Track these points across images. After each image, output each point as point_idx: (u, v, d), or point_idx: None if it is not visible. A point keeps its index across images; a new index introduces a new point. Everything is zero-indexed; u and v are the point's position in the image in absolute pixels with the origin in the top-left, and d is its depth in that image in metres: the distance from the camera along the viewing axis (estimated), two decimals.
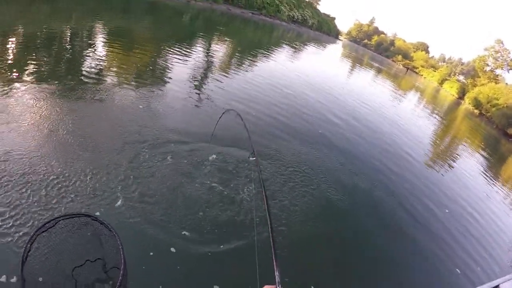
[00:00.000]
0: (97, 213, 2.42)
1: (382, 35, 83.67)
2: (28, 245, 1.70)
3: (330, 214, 4.02)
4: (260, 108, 6.92)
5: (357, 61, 35.94)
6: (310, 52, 26.33)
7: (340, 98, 11.22)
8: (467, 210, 6.10)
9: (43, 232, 1.77)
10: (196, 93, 6.92)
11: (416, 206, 5.24)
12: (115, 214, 2.72)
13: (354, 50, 56.01)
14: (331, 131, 7.26)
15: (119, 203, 2.87)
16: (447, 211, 5.60)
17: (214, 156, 4.13)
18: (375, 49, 79.09)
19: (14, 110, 4.01)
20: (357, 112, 10.07)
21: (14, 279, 1.87)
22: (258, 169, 2.06)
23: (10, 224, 2.35)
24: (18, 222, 2.37)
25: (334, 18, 60.59)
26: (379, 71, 34.68)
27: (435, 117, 18.77)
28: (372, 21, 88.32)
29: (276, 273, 1.16)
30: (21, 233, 2.23)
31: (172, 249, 2.60)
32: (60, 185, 2.87)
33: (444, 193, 6.45)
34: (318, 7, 56.09)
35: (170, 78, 7.45)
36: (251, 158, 2.42)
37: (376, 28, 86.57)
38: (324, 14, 55.57)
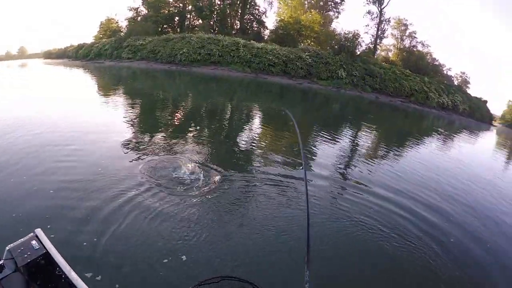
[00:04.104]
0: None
1: None
2: None
3: None
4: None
5: None
6: (462, 142, 22.78)
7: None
8: None
9: (206, 284, 1.90)
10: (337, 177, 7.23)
11: None
12: None
13: (510, 138, 46.66)
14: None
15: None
16: None
17: None
18: None
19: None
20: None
21: None
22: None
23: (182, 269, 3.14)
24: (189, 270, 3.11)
25: (486, 102, 53.41)
26: None
27: None
28: None
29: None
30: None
31: None
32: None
33: None
34: (468, 91, 51.01)
35: (313, 159, 8.18)
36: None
37: None
38: (475, 97, 49.83)
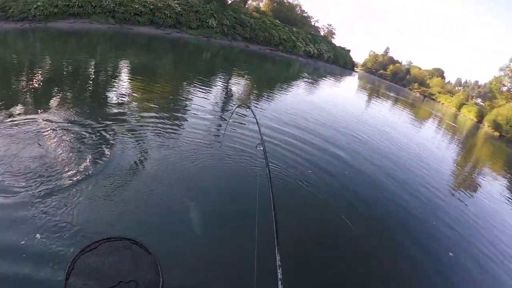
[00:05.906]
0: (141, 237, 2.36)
1: (397, 64, 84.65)
2: (72, 264, 1.87)
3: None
4: (271, 139, 7.44)
5: (373, 92, 36.50)
6: (327, 85, 27.30)
7: (354, 130, 11.34)
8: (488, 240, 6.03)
9: (86, 252, 1.95)
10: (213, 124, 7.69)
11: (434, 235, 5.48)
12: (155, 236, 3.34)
13: (371, 81, 56.46)
14: (345, 160, 7.64)
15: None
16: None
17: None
18: (391, 79, 79.35)
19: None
20: (373, 143, 10.26)
21: None
22: (266, 161, 2.59)
23: (60, 243, 3.06)
24: (65, 241, 3.08)
25: (349, 51, 63.00)
26: (396, 100, 34.87)
27: (455, 144, 18.73)
28: (386, 51, 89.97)
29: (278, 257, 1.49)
30: (68, 252, 2.93)
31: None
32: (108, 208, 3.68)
33: (466, 223, 6.47)
34: (333, 41, 59.07)
35: (188, 110, 8.47)
36: (258, 148, 2.91)
37: (391, 58, 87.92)
38: (339, 47, 58.20)
